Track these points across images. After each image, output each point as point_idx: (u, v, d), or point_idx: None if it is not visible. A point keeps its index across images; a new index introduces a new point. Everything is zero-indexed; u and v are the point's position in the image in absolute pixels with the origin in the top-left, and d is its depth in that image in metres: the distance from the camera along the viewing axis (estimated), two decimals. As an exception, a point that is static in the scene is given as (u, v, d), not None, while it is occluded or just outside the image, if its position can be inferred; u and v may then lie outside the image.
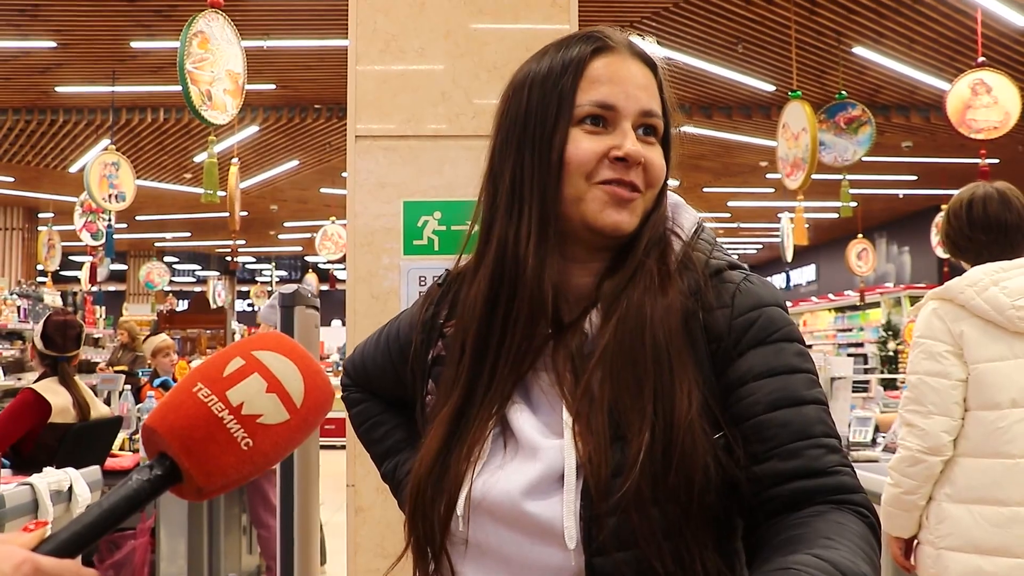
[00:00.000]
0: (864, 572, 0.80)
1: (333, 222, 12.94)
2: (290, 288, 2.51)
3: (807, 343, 1.07)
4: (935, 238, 10.33)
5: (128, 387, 5.29)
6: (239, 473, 0.74)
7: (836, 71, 8.00)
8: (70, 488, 3.18)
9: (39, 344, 3.94)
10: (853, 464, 0.95)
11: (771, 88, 8.66)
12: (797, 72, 7.24)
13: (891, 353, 11.78)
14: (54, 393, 3.78)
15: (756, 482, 0.91)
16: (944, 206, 2.82)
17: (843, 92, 7.14)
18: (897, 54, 7.80)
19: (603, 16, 6.56)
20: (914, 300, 11.90)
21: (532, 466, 0.93)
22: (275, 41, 7.24)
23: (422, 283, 2.31)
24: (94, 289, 12.20)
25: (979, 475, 2.38)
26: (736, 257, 1.05)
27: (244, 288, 22.79)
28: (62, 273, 16.01)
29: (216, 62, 4.71)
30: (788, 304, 1.07)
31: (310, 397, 0.77)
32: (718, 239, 1.06)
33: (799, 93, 6.30)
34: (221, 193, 7.00)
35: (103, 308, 12.14)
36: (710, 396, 0.93)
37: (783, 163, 6.43)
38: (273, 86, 8.56)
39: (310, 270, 19.79)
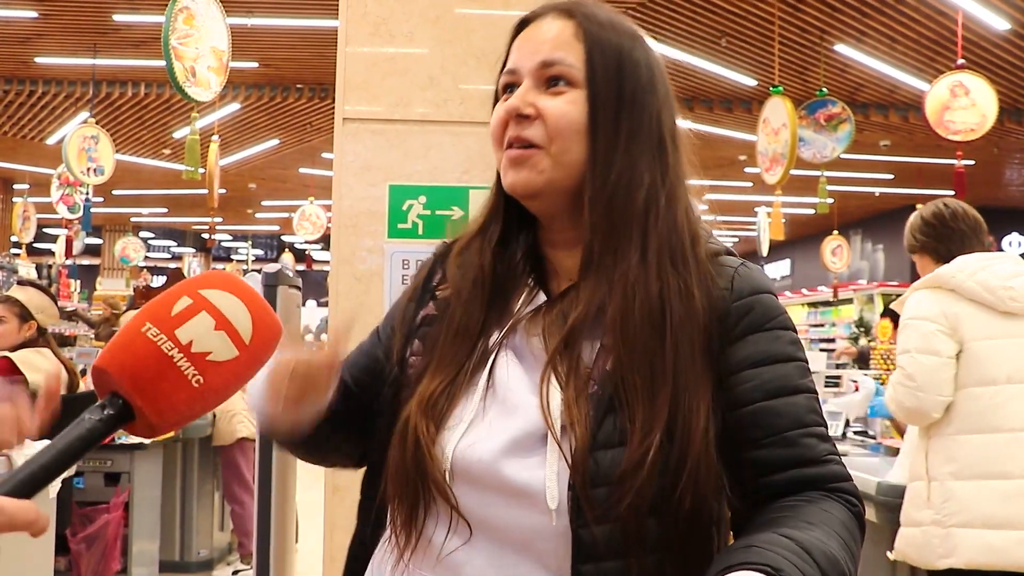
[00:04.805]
0: (832, 553, 0.81)
1: (312, 202, 12.89)
2: (273, 267, 2.52)
3: None
4: (909, 237, 10.44)
5: (104, 362, 5.27)
6: (191, 410, 0.75)
7: (818, 68, 8.07)
8: (46, 461, 3.18)
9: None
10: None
11: (753, 83, 8.72)
12: (779, 68, 7.29)
13: (862, 350, 11.90)
14: (44, 360, 3.77)
15: (749, 468, 0.93)
16: (919, 206, 2.97)
17: (824, 89, 7.20)
18: (879, 53, 7.87)
19: (589, 5, 6.54)
20: (886, 297, 12.04)
21: (516, 423, 0.93)
22: (259, 19, 7.19)
23: (406, 266, 2.33)
24: (68, 262, 12.08)
25: (980, 451, 2.45)
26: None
27: (219, 265, 22.63)
28: (35, 245, 15.81)
29: (201, 39, 4.68)
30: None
31: (258, 334, 0.77)
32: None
33: (781, 89, 6.35)
34: (201, 170, 6.96)
35: (78, 282, 12.04)
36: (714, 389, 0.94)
37: (763, 158, 6.48)
38: (255, 64, 8.51)
39: (286, 249, 19.70)
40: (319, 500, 2.31)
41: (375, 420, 1.07)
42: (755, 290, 0.97)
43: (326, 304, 2.36)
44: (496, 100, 1.04)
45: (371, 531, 1.05)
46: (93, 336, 8.25)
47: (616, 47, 0.99)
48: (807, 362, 0.99)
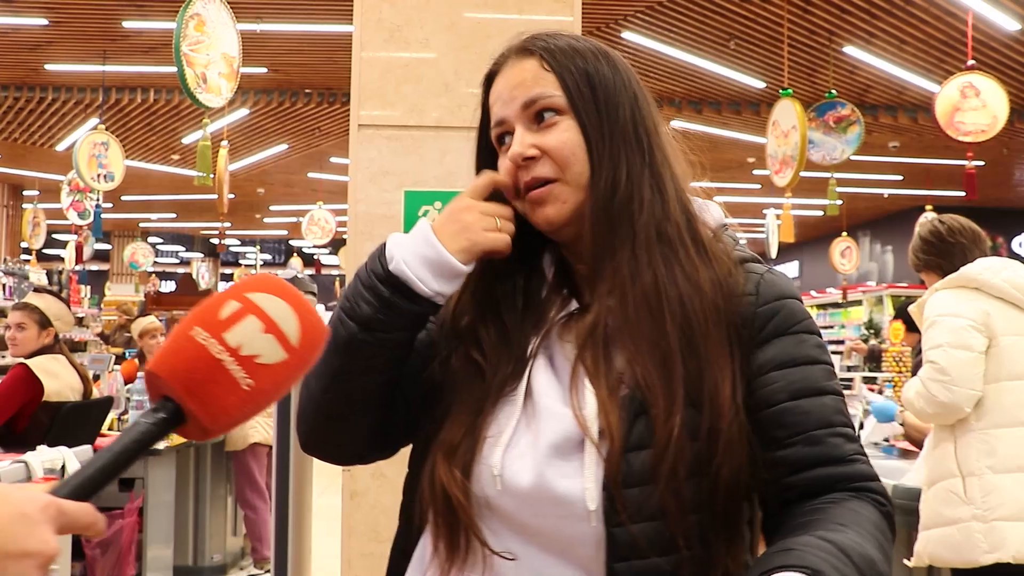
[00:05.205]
0: (869, 554, 0.83)
1: (320, 207, 12.91)
2: (290, 273, 2.54)
3: None
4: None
5: (118, 367, 5.30)
6: (241, 412, 0.76)
7: (827, 70, 8.06)
8: (63, 467, 3.20)
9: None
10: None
11: (761, 85, 8.71)
12: (788, 70, 7.29)
13: (870, 352, 11.89)
14: (61, 367, 3.80)
15: (776, 467, 0.94)
16: (928, 207, 3.05)
17: (833, 91, 7.20)
18: (887, 55, 7.86)
19: (598, 10, 6.58)
20: (896, 299, 12.00)
21: (554, 428, 0.95)
22: (268, 25, 7.22)
23: (421, 272, 2.34)
24: (79, 268, 12.13)
25: (1018, 443, 2.46)
26: None
27: (228, 271, 22.71)
28: (44, 251, 15.89)
29: (212, 45, 4.71)
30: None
31: (305, 336, 0.78)
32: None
33: (790, 91, 6.35)
34: (211, 175, 6.99)
35: (88, 288, 12.09)
36: (740, 381, 0.96)
37: (772, 160, 6.48)
38: (265, 69, 8.54)
39: (295, 254, 19.75)
40: (335, 505, 2.32)
41: (405, 414, 1.08)
42: (780, 295, 1.00)
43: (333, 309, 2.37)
44: (479, 150, 1.08)
45: (414, 533, 1.06)
46: (103, 342, 8.30)
47: (582, 69, 1.02)
48: (832, 365, 1.00)
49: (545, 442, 0.95)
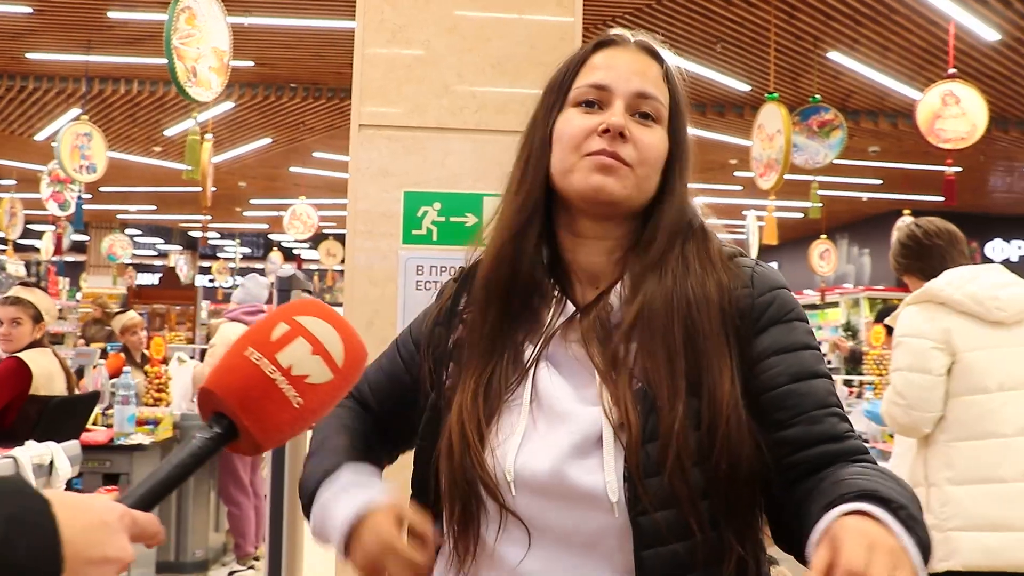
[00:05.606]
0: (900, 479, 0.91)
1: (303, 201, 12.87)
2: (287, 272, 2.54)
3: None
4: (896, 242, 10.54)
5: (103, 362, 5.26)
6: (292, 429, 0.80)
7: (811, 75, 8.14)
8: (51, 463, 3.18)
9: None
10: None
11: (747, 88, 8.78)
12: (774, 74, 7.36)
13: (851, 353, 12.01)
14: (48, 360, 3.78)
15: (779, 447, 0.99)
16: (906, 211, 3.11)
17: (817, 96, 7.27)
18: (871, 61, 7.95)
19: (588, 11, 6.58)
20: (873, 301, 12.15)
21: (569, 429, 0.99)
22: (256, 18, 7.18)
23: (420, 272, 2.35)
24: (56, 259, 12.01)
25: (976, 456, 2.54)
26: None
27: (206, 264, 22.53)
28: (19, 241, 15.71)
29: (202, 39, 4.68)
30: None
31: (349, 357, 0.82)
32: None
33: (776, 95, 6.41)
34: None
35: (67, 280, 11.97)
36: (739, 372, 1.01)
37: (757, 163, 6.54)
38: (251, 63, 8.50)
39: (274, 248, 19.65)
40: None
41: (400, 431, 1.17)
42: (773, 286, 1.07)
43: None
44: (554, 102, 1.11)
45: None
46: (79, 336, 8.19)
47: (683, 95, 1.12)
48: (820, 350, 1.08)
49: (562, 443, 0.98)
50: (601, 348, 1.01)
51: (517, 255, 1.07)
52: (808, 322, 1.08)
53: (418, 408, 1.11)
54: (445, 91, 2.40)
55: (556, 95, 1.10)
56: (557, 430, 0.99)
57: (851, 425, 1.03)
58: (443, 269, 2.34)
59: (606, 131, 1.03)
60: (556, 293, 1.07)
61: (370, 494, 1.00)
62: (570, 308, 1.06)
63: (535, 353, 1.04)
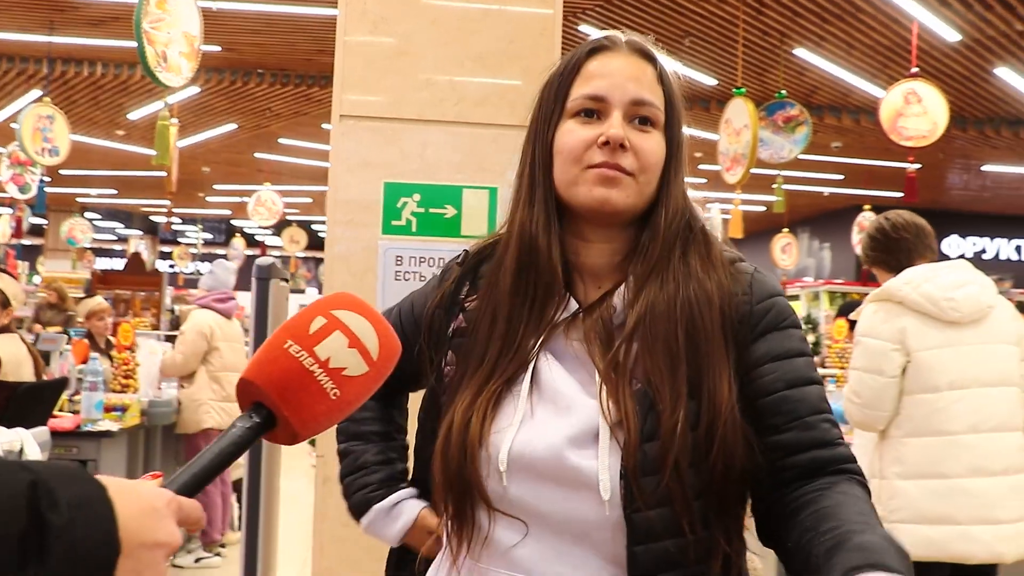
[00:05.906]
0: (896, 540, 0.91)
1: (267, 188, 12.75)
2: (266, 261, 2.55)
3: None
4: (856, 236, 10.74)
5: (69, 348, 5.20)
6: (328, 419, 0.82)
7: (777, 70, 8.24)
8: (20, 449, 3.16)
9: None
10: None
11: (713, 82, 8.87)
12: (741, 69, 7.44)
13: (811, 345, 12.20)
14: (16, 347, 3.74)
15: (773, 451, 1.03)
16: (867, 207, 3.18)
17: (783, 92, 7.37)
18: (836, 58, 8.07)
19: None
20: (832, 295, 12.33)
21: (569, 420, 1.02)
22: (225, 3, 7.11)
23: (398, 263, 2.37)
24: (15, 243, 11.79)
25: (923, 452, 2.64)
26: None
27: (167, 248, 22.23)
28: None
29: (173, 23, 4.64)
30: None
31: (383, 350, 0.85)
32: None
33: (744, 91, 6.48)
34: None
35: (27, 263, 11.76)
36: (735, 377, 1.04)
37: (723, 157, 6.62)
38: (218, 48, 8.40)
39: (237, 234, 19.45)
40: (302, 489, 2.34)
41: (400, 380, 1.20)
42: (771, 293, 1.09)
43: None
44: (553, 112, 1.12)
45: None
46: (34, 320, 8.02)
47: (678, 95, 1.14)
48: (812, 357, 1.12)
49: (561, 431, 1.01)
50: (602, 348, 1.04)
51: (543, 264, 1.09)
52: (802, 328, 1.11)
53: (413, 360, 1.15)
54: (425, 83, 2.41)
55: (553, 104, 1.12)
56: (556, 419, 1.03)
57: (840, 430, 1.07)
58: (422, 260, 2.36)
59: (606, 143, 1.05)
60: (561, 291, 1.10)
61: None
62: (573, 305, 1.09)
63: (537, 345, 1.07)
